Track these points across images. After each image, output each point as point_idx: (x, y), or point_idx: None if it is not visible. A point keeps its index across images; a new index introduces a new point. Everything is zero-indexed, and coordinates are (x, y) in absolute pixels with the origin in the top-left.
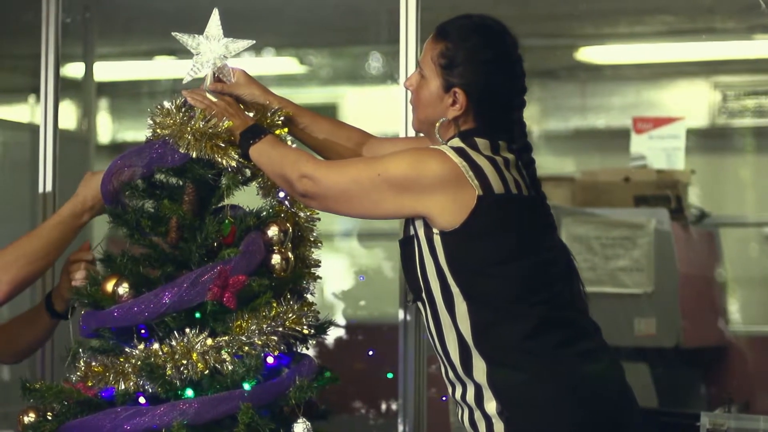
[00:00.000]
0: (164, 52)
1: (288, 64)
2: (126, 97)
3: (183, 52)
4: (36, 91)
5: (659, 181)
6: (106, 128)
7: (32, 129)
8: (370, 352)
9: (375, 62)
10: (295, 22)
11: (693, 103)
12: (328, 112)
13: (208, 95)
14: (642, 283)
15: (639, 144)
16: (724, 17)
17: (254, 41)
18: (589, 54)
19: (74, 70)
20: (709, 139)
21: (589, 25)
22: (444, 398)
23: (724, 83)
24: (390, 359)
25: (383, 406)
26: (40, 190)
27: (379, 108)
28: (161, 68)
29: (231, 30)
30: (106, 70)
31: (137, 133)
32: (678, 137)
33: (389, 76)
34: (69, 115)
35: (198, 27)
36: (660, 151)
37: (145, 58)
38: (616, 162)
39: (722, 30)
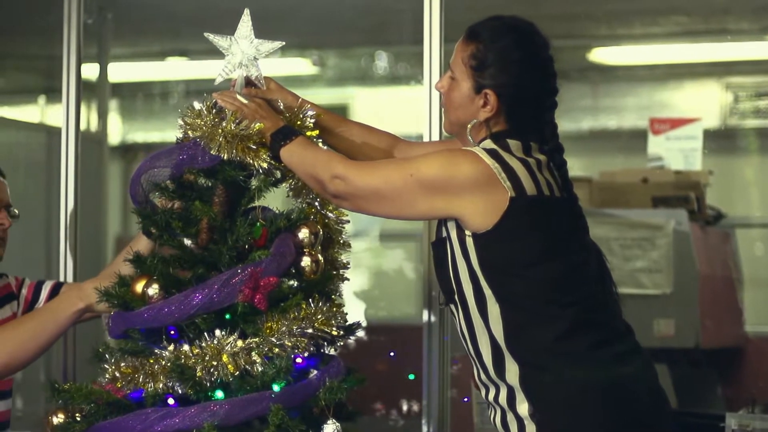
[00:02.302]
0: (177, 53)
1: (303, 65)
2: (137, 98)
3: (195, 53)
4: (47, 91)
5: (677, 182)
6: (118, 129)
7: (48, 130)
8: (392, 354)
9: (381, 62)
10: (312, 23)
11: (705, 104)
12: (349, 113)
13: (239, 97)
14: (661, 284)
15: (656, 145)
16: (737, 18)
17: (284, 42)
18: (601, 55)
19: (88, 71)
20: (721, 140)
21: (602, 26)
22: (466, 399)
23: (736, 84)
24: (411, 360)
25: (405, 407)
26: (61, 191)
27: (403, 109)
28: (173, 69)
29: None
30: (119, 71)
31: (147, 134)
32: (695, 138)
33: (413, 76)
34: (82, 116)
35: (209, 28)
36: (677, 152)
37: (157, 59)
38: (627, 162)
39: (735, 31)
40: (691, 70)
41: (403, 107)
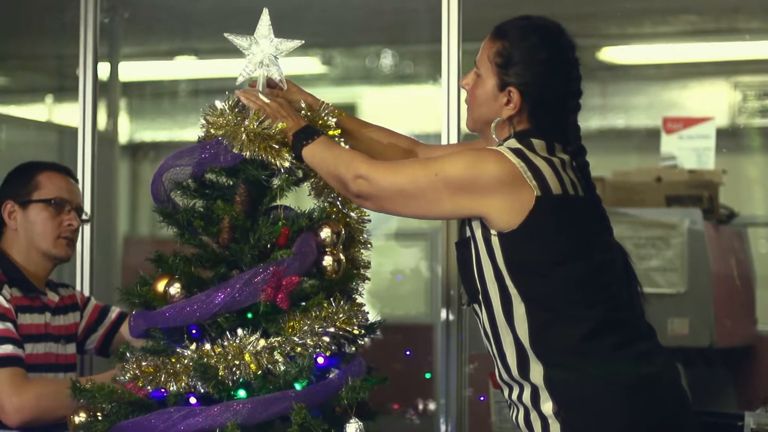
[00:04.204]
0: (186, 52)
1: (310, 64)
2: (146, 97)
3: (204, 53)
4: (59, 90)
5: (691, 181)
6: (126, 128)
7: (60, 129)
8: (408, 353)
9: (386, 60)
10: (324, 22)
11: (715, 103)
12: (357, 112)
13: (261, 96)
14: (675, 283)
15: (669, 144)
16: (748, 17)
17: (303, 41)
18: (611, 54)
19: (99, 70)
20: (729, 139)
21: (612, 25)
22: (482, 398)
23: (744, 83)
24: (423, 359)
25: (420, 406)
26: None
27: (417, 108)
28: (183, 68)
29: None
30: (128, 70)
31: (156, 133)
32: (708, 137)
33: (429, 75)
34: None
35: (219, 27)
36: (690, 151)
37: (167, 58)
38: (640, 162)
39: (746, 30)
40: (701, 70)
41: (417, 107)
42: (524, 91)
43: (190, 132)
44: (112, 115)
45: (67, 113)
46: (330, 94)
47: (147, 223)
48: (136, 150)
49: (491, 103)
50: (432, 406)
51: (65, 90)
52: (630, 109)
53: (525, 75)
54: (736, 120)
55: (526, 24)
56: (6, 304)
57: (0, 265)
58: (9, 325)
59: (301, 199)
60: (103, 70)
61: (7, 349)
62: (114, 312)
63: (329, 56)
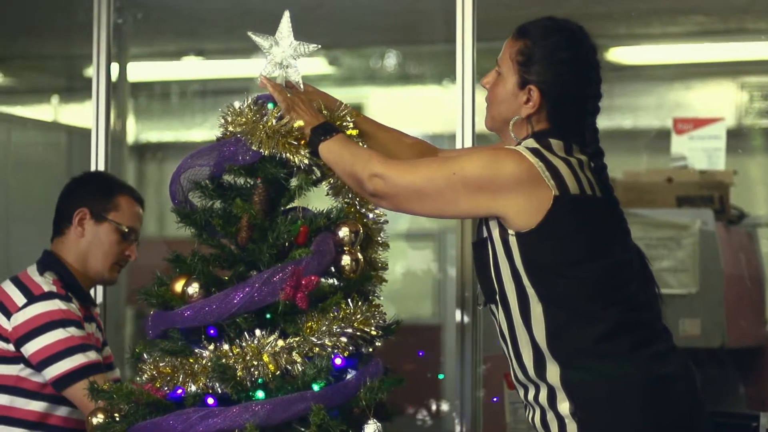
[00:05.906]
0: (193, 52)
1: (321, 65)
2: (154, 97)
3: (212, 54)
4: (68, 91)
5: (702, 182)
6: (134, 129)
7: (69, 129)
8: (420, 353)
9: (392, 60)
10: (334, 22)
11: (723, 104)
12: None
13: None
14: (687, 284)
15: (679, 145)
16: (756, 18)
17: (320, 45)
18: (619, 54)
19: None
20: (736, 140)
21: (620, 26)
22: (495, 399)
23: (751, 84)
24: (430, 360)
25: (433, 407)
26: None
27: (430, 109)
28: (189, 69)
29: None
30: (137, 71)
31: (163, 133)
32: (718, 138)
33: (440, 76)
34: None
35: (226, 28)
36: (700, 152)
37: (174, 58)
38: (650, 162)
39: (753, 31)
40: (708, 70)
41: (427, 107)
42: (544, 90)
43: (198, 132)
44: (121, 116)
45: (76, 114)
46: (337, 95)
47: (154, 224)
48: (144, 150)
49: (511, 101)
50: (444, 407)
51: (74, 90)
52: (637, 109)
53: (546, 74)
54: (743, 120)
55: (549, 24)
56: (78, 312)
57: (57, 272)
58: (84, 332)
59: (312, 203)
60: (113, 70)
61: (92, 356)
62: (115, 372)
63: (334, 56)
